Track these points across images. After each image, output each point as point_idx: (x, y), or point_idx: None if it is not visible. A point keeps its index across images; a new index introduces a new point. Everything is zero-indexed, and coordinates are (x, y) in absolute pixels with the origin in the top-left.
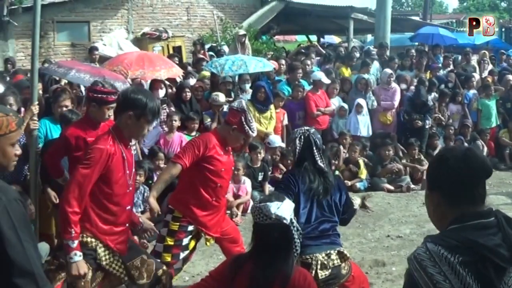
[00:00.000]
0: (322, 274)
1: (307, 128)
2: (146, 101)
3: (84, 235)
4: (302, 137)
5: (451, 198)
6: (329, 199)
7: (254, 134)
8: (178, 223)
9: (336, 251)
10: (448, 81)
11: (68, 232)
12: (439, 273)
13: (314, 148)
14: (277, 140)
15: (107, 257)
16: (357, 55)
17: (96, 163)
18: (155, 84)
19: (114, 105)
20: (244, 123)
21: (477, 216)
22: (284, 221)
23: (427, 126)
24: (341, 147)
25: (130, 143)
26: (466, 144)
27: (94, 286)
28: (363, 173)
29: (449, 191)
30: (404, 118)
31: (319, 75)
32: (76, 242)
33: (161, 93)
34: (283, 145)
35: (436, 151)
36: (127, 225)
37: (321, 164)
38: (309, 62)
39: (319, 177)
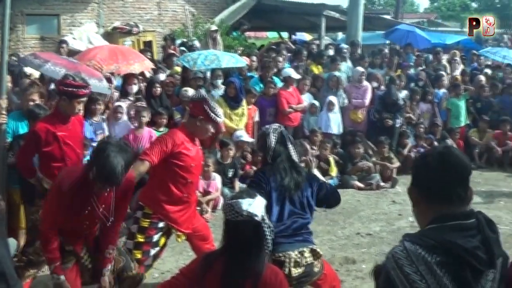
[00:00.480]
0: (295, 272)
1: (278, 125)
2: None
3: None
4: (275, 132)
5: (429, 196)
6: (301, 196)
7: (221, 120)
8: (148, 220)
9: (309, 249)
10: (418, 79)
11: None
12: (416, 273)
13: (289, 142)
14: (243, 135)
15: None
16: (331, 52)
17: None
18: (129, 79)
19: (84, 99)
20: (209, 110)
21: (456, 217)
22: (256, 218)
23: (397, 125)
24: (308, 146)
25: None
26: (435, 143)
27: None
28: (334, 171)
29: (426, 189)
30: (375, 117)
31: (289, 71)
32: None
33: (135, 88)
34: (250, 140)
35: (406, 150)
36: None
37: (295, 158)
38: (280, 59)
39: (291, 172)
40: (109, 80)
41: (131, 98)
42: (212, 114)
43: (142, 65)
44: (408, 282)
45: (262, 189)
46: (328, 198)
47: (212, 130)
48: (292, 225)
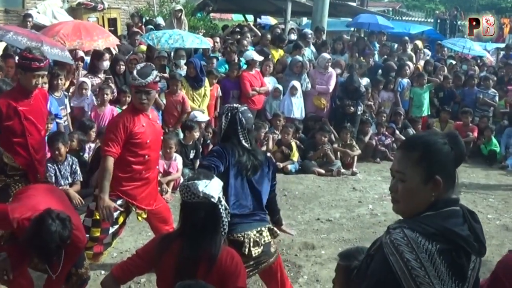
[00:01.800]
0: (255, 251)
1: (236, 105)
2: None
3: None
4: (229, 114)
5: (448, 181)
6: (259, 176)
7: (138, 81)
8: None
9: (266, 228)
10: (382, 67)
11: None
12: (416, 260)
13: (239, 127)
14: (198, 115)
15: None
16: (293, 37)
17: None
18: (102, 55)
19: (42, 72)
20: (131, 79)
21: (450, 203)
22: (212, 200)
23: (359, 112)
24: (268, 134)
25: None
26: (397, 132)
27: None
28: (295, 156)
29: (447, 175)
30: (336, 104)
31: (251, 53)
32: None
33: (106, 64)
34: (206, 119)
35: (367, 138)
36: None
37: (245, 144)
38: (245, 42)
39: (247, 154)
40: (81, 59)
41: (100, 75)
42: (130, 80)
43: (107, 41)
44: (407, 268)
45: (223, 159)
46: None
47: (139, 96)
48: (250, 204)
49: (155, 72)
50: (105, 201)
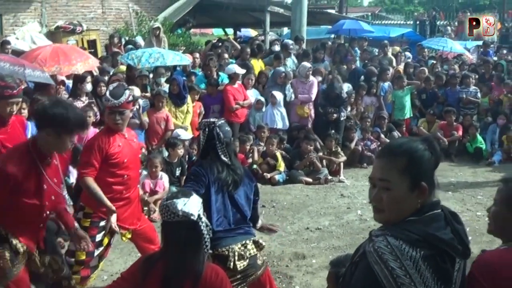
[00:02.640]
0: (241, 265)
1: (213, 120)
2: (68, 115)
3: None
4: (207, 129)
5: (430, 188)
6: (240, 189)
7: (111, 102)
8: (89, 219)
9: (251, 241)
10: (364, 73)
11: None
12: (400, 268)
13: (217, 141)
14: (182, 133)
15: (24, 247)
16: (277, 48)
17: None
18: (81, 78)
19: (16, 99)
20: (104, 100)
21: (432, 207)
22: (192, 217)
23: (342, 118)
24: (253, 146)
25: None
26: (382, 136)
27: (16, 267)
28: (281, 166)
29: (430, 181)
30: (319, 112)
31: (233, 67)
32: None
33: (88, 87)
34: (189, 137)
35: (353, 144)
36: (41, 225)
37: (224, 158)
38: (226, 55)
39: (227, 169)
40: (62, 83)
41: (83, 99)
42: (103, 101)
43: (85, 64)
44: (393, 277)
45: (201, 181)
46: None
47: (113, 117)
48: (233, 218)
49: (127, 92)
50: (111, 208)
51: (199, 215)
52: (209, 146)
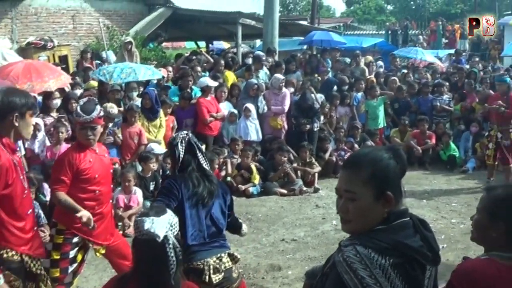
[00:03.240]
0: (216, 278)
1: (185, 132)
2: (25, 98)
3: (5, 251)
4: (183, 141)
5: (397, 196)
6: (215, 202)
7: (82, 118)
8: (62, 236)
9: (226, 254)
10: (337, 83)
11: None
12: (370, 276)
13: (197, 150)
14: (155, 147)
15: (34, 263)
16: (250, 61)
17: None
18: (52, 94)
19: None
20: (74, 115)
21: (400, 215)
22: (157, 239)
23: (315, 129)
24: (227, 159)
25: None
26: (356, 146)
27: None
28: (256, 178)
29: (396, 189)
30: (292, 123)
31: (205, 80)
32: None
33: (55, 103)
34: (162, 151)
35: (327, 154)
36: (35, 228)
37: (206, 167)
38: (199, 68)
39: (203, 181)
40: (33, 98)
41: (53, 114)
42: (74, 115)
43: (58, 81)
44: (362, 285)
45: (173, 195)
46: (235, 222)
47: (85, 132)
48: (208, 232)
49: (98, 107)
50: (82, 213)
51: (165, 236)
52: (190, 157)
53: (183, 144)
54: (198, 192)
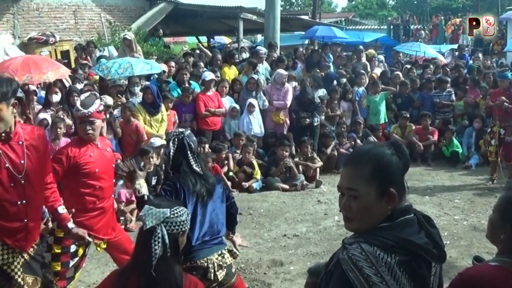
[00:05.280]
0: (220, 275)
1: (181, 130)
2: (12, 85)
3: None
4: (176, 139)
5: (401, 192)
6: (215, 200)
7: (81, 112)
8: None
9: (226, 250)
10: (339, 78)
11: None
12: (376, 275)
13: (188, 151)
14: (156, 141)
15: (5, 256)
16: (246, 55)
17: None
18: (50, 88)
19: None
20: (74, 110)
21: (404, 212)
22: (144, 227)
23: (315, 124)
24: (229, 154)
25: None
26: (358, 141)
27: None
28: (258, 174)
29: (399, 186)
30: (292, 117)
31: (206, 74)
32: None
33: (56, 97)
34: (162, 142)
35: (329, 149)
36: (25, 220)
37: (196, 168)
38: (202, 64)
39: (200, 180)
40: (34, 93)
41: (53, 108)
42: (74, 111)
43: (57, 73)
44: (368, 284)
45: (178, 198)
46: (233, 206)
47: (84, 126)
48: (209, 230)
49: (98, 101)
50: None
51: (154, 227)
52: (181, 156)
53: (175, 143)
54: (197, 190)
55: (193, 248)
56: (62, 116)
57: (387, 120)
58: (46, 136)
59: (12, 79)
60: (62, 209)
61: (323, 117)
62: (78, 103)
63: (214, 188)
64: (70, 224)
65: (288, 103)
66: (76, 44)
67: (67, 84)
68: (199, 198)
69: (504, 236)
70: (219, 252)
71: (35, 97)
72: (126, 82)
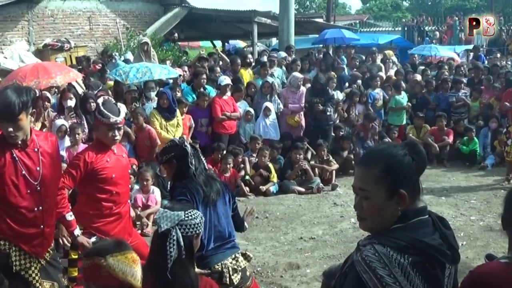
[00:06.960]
0: (236, 279)
1: (178, 140)
2: (31, 94)
3: None
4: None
5: (414, 192)
6: (222, 204)
7: (110, 119)
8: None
9: (239, 253)
10: (353, 80)
11: None
12: (389, 275)
13: (192, 158)
14: None
15: (22, 262)
16: (265, 59)
17: None
18: (64, 94)
19: None
20: (97, 114)
21: (418, 213)
22: (159, 229)
23: (328, 113)
24: (245, 157)
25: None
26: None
27: None
28: (275, 177)
29: (411, 186)
30: (305, 107)
31: (222, 78)
32: None
33: (70, 103)
34: None
35: (346, 152)
36: (41, 226)
37: (199, 180)
38: (218, 69)
39: (208, 182)
40: (47, 100)
41: (68, 114)
42: (99, 116)
43: (66, 77)
44: (382, 285)
45: (192, 201)
46: (238, 219)
47: (113, 134)
48: (221, 234)
49: (124, 108)
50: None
51: (169, 230)
52: (183, 165)
53: (179, 152)
54: (207, 194)
55: (207, 253)
56: (78, 122)
57: (407, 122)
58: (58, 142)
59: (30, 88)
60: (70, 216)
61: (337, 119)
62: (104, 110)
63: (222, 187)
64: (77, 231)
65: (303, 106)
66: (81, 56)
67: (80, 91)
68: (208, 202)
69: None
70: (233, 256)
71: (48, 104)
72: (142, 87)
